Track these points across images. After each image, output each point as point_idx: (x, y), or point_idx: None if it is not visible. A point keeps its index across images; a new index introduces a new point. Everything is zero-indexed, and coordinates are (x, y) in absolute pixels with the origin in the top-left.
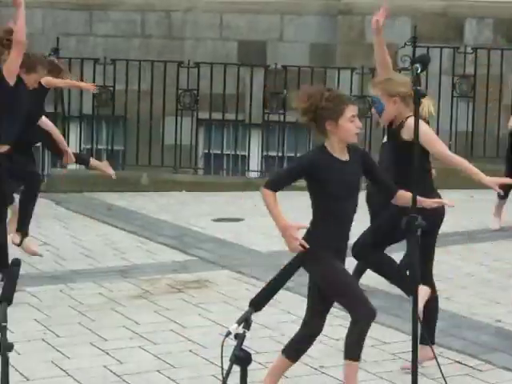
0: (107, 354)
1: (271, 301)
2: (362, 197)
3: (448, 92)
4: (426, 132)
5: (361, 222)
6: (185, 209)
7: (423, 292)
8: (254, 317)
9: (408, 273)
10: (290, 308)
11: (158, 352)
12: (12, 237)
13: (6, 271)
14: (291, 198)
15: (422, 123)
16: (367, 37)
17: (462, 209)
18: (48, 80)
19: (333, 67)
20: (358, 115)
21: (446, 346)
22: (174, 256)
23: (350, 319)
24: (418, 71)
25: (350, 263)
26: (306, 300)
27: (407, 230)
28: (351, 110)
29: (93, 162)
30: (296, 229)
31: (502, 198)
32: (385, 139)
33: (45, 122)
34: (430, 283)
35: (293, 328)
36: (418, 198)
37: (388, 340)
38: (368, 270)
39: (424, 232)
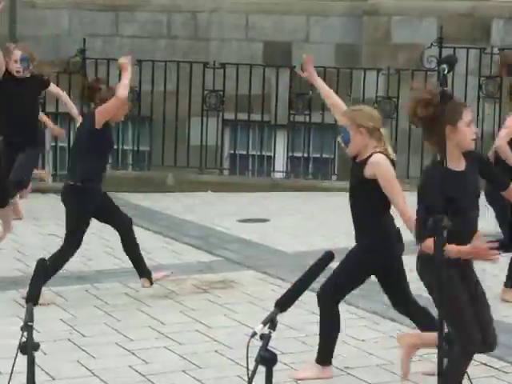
0: (133, 354)
1: (296, 302)
2: None
3: (474, 93)
4: (388, 177)
5: None
6: (210, 209)
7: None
8: (280, 317)
9: None
10: (315, 309)
11: (184, 352)
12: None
13: (34, 271)
14: (315, 199)
15: (387, 162)
16: (393, 37)
17: None
18: (52, 87)
19: (358, 68)
20: (383, 115)
21: None
22: (199, 256)
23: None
24: (445, 72)
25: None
26: None
27: (434, 230)
28: (468, 115)
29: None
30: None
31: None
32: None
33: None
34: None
35: (318, 329)
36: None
37: None
38: None
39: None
